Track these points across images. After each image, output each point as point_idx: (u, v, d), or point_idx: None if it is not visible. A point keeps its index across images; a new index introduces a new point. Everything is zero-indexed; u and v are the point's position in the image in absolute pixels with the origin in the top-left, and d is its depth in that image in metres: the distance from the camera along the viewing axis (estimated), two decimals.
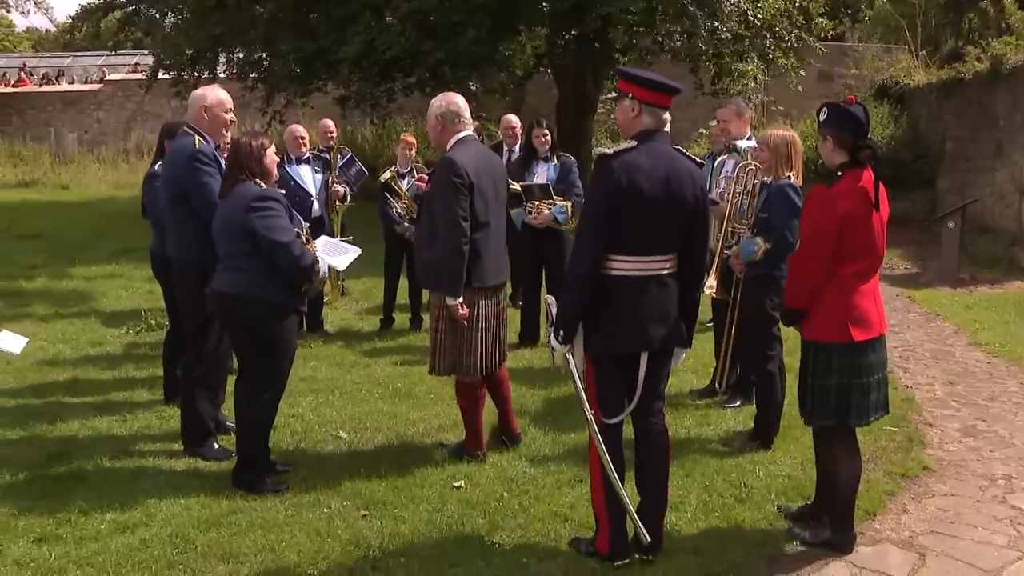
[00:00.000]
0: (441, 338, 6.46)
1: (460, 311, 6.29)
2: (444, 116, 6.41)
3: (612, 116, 23.57)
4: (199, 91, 6.98)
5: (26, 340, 7.24)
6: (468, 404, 6.64)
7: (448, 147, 6.40)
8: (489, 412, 6.86)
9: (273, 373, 6.21)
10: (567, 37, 17.72)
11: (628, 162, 4.90)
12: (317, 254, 6.23)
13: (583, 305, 4.98)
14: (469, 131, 6.50)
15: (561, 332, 5.04)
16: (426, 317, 10.78)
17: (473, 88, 17.13)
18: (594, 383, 5.12)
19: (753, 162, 7.21)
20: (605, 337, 5.02)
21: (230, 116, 6.87)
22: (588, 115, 20.24)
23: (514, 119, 11.45)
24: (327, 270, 6.49)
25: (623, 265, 4.96)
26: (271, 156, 6.22)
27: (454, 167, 6.17)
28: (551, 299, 5.24)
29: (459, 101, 6.49)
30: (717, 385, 8.07)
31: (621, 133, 5.31)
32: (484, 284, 6.38)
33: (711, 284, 7.08)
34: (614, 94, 5.95)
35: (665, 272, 5.04)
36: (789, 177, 6.78)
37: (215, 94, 6.86)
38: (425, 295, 11.29)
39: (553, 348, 5.12)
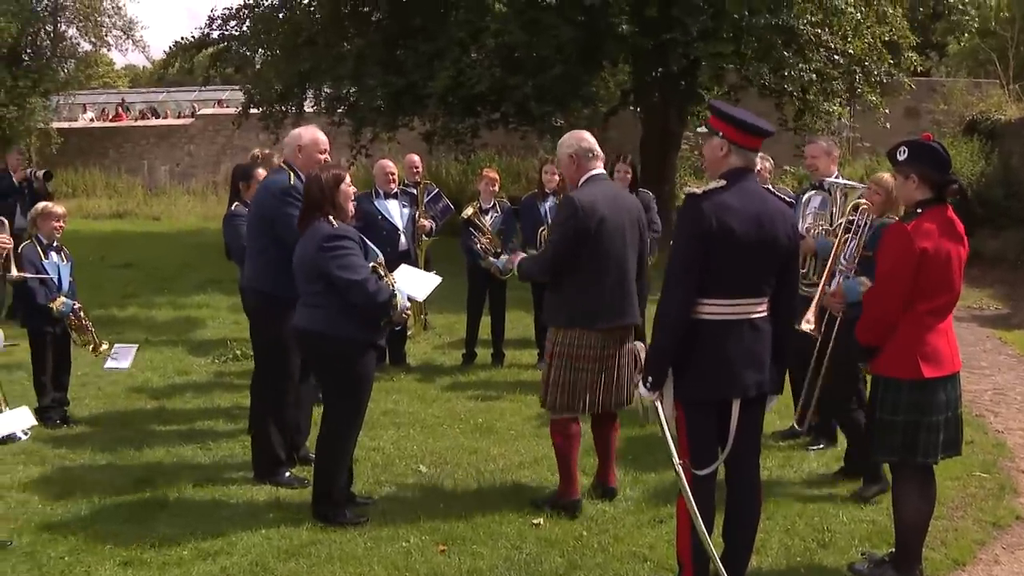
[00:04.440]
0: (553, 373, 6.30)
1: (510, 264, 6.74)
2: (578, 153, 6.30)
3: (696, 152, 23.46)
4: (296, 130, 7.06)
5: (135, 347, 7.43)
6: (561, 441, 6.44)
7: (579, 184, 6.32)
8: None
9: (351, 407, 6.21)
10: (653, 74, 17.71)
11: (719, 202, 4.77)
12: (395, 286, 6.22)
13: (673, 350, 4.84)
14: (600, 169, 6.38)
15: (650, 378, 4.90)
16: (508, 353, 10.91)
17: (557, 124, 17.15)
18: (684, 432, 4.96)
19: (864, 201, 7.02)
20: (695, 383, 4.87)
21: (324, 157, 6.85)
22: (672, 151, 20.16)
23: (414, 157, 11.55)
24: (407, 302, 6.44)
25: (714, 308, 4.83)
26: (346, 190, 6.22)
27: (570, 206, 6.12)
28: (639, 345, 5.19)
29: (590, 137, 6.41)
30: (797, 425, 7.86)
31: (706, 171, 5.22)
32: (598, 325, 6.18)
33: (808, 319, 6.87)
34: (703, 129, 5.81)
35: (757, 315, 4.91)
36: (894, 218, 6.62)
37: (311, 134, 6.92)
38: (512, 331, 11.47)
39: (641, 395, 4.99)
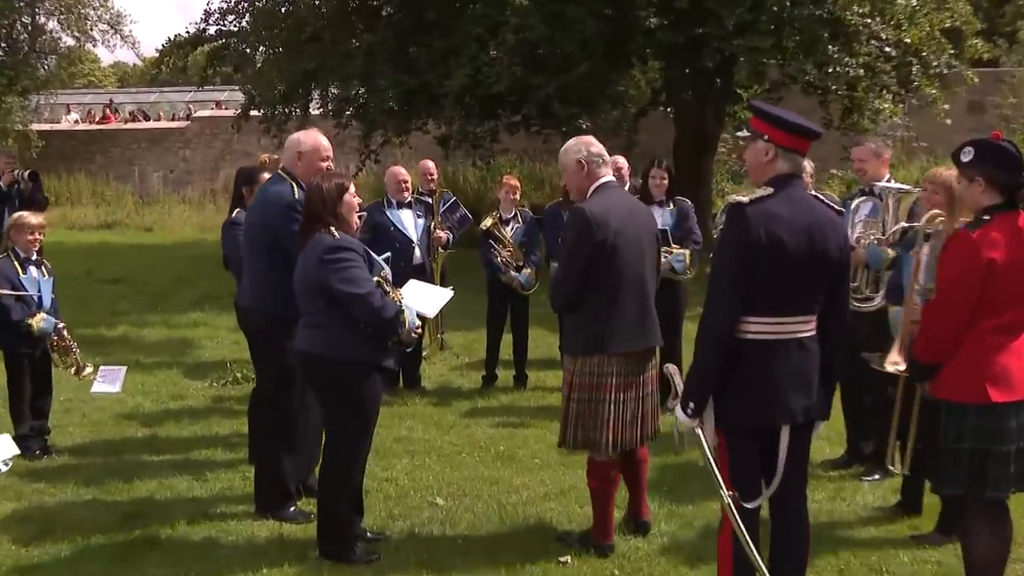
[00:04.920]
0: (572, 407, 6.19)
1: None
2: (588, 159, 6.20)
3: (733, 156, 23.35)
4: (296, 135, 7.08)
5: (124, 369, 7.64)
6: (599, 486, 6.33)
7: (588, 194, 6.22)
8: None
9: (355, 434, 6.21)
10: (686, 72, 17.63)
11: (766, 211, 4.73)
12: (402, 302, 6.21)
13: (717, 372, 4.80)
14: (610, 176, 6.30)
15: (690, 404, 4.84)
16: (532, 374, 10.88)
17: (583, 126, 17.09)
18: (726, 461, 4.91)
19: (939, 212, 6.63)
20: (739, 409, 4.83)
21: (326, 164, 6.86)
22: (708, 154, 20.07)
23: (429, 164, 11.59)
24: (417, 320, 6.37)
25: (760, 327, 4.79)
26: (350, 201, 6.21)
27: (581, 218, 6.01)
28: (672, 368, 5.11)
29: (596, 142, 6.33)
30: (892, 465, 7.41)
31: (749, 177, 5.17)
32: (618, 349, 6.07)
33: (895, 360, 6.31)
34: (745, 133, 5.60)
35: (805, 334, 4.87)
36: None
37: (312, 139, 6.92)
38: (536, 351, 11.45)
39: (679, 421, 4.93)
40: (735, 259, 4.77)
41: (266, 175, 7.77)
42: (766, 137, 4.89)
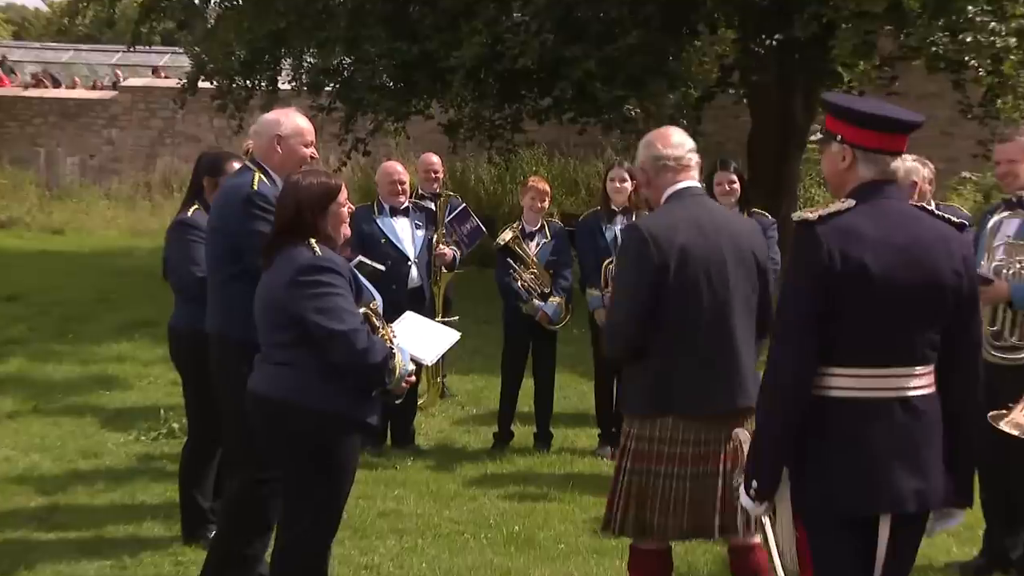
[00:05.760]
0: (624, 480, 5.97)
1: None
2: (652, 161, 6.06)
3: None
4: (272, 115, 7.10)
5: None
6: None
7: (661, 202, 6.10)
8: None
9: (323, 510, 6.08)
10: (769, 44, 17.54)
11: (843, 229, 4.59)
12: (395, 342, 6.13)
13: (788, 441, 4.66)
14: (691, 181, 6.08)
15: (755, 483, 4.73)
16: (558, 432, 10.91)
17: (631, 114, 17.10)
18: (808, 560, 4.76)
19: None
20: (825, 490, 4.63)
21: (310, 151, 6.93)
22: (795, 152, 19.31)
23: (432, 158, 11.72)
24: (410, 366, 6.25)
25: (847, 382, 4.61)
26: (338, 208, 6.11)
27: (633, 237, 5.93)
28: (743, 434, 5.12)
29: (674, 136, 6.14)
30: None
31: (830, 190, 5.08)
32: (690, 409, 5.85)
33: (1018, 421, 6.09)
34: (818, 136, 5.46)
35: (915, 391, 4.65)
36: None
37: (293, 121, 6.94)
38: (564, 403, 11.44)
39: (743, 506, 4.85)
40: (802, 293, 4.66)
41: (236, 164, 7.76)
42: (839, 137, 4.82)
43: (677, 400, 5.84)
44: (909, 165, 7.61)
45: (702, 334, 5.85)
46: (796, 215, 4.72)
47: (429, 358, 7.11)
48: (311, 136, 6.98)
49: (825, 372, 4.63)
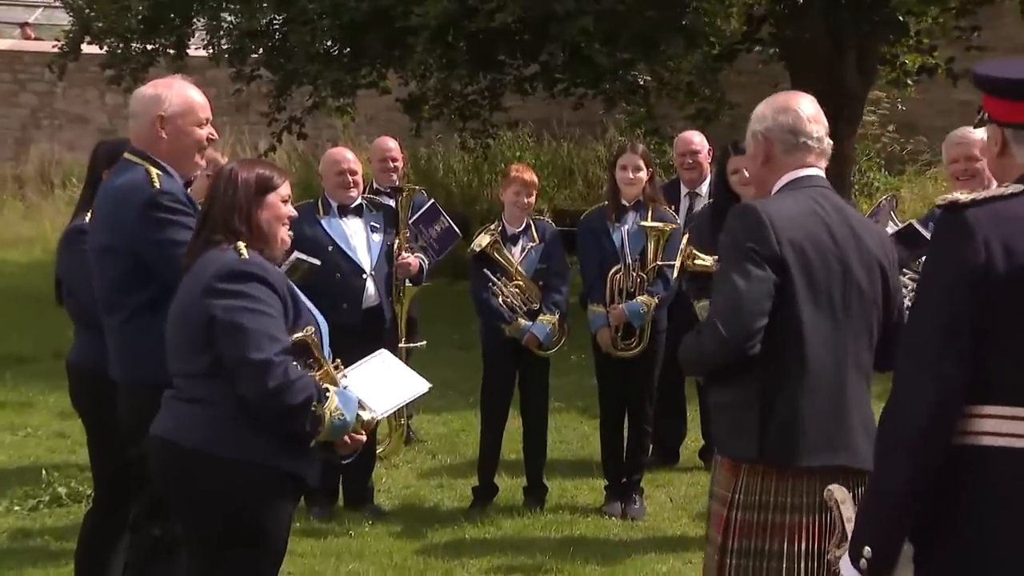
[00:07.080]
0: (732, 564, 5.58)
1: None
2: (771, 133, 5.67)
3: (888, 130, 22.90)
4: (148, 89, 6.89)
5: None
6: None
7: (773, 192, 5.72)
8: None
9: None
10: None
11: (1003, 216, 4.19)
12: (340, 385, 5.91)
13: (913, 503, 4.25)
14: (814, 169, 5.69)
15: (867, 551, 4.26)
16: (553, 485, 10.85)
17: (639, 81, 17.01)
18: None
19: None
20: (966, 572, 4.25)
21: (206, 131, 6.78)
22: (846, 127, 18.82)
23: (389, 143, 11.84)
24: (356, 413, 5.98)
25: (1004, 425, 4.16)
26: (276, 204, 5.95)
27: (750, 215, 5.51)
28: (838, 491, 4.82)
29: (801, 105, 5.75)
30: None
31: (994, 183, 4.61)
32: (802, 461, 5.42)
33: None
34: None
35: None
36: None
37: (179, 95, 6.73)
38: (560, 448, 11.38)
39: None
40: (949, 302, 4.22)
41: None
42: (986, 115, 4.49)
43: (780, 445, 5.46)
44: None
45: (816, 362, 5.51)
46: (940, 199, 4.28)
47: (381, 408, 6.63)
48: (205, 112, 6.80)
49: (973, 412, 4.22)
